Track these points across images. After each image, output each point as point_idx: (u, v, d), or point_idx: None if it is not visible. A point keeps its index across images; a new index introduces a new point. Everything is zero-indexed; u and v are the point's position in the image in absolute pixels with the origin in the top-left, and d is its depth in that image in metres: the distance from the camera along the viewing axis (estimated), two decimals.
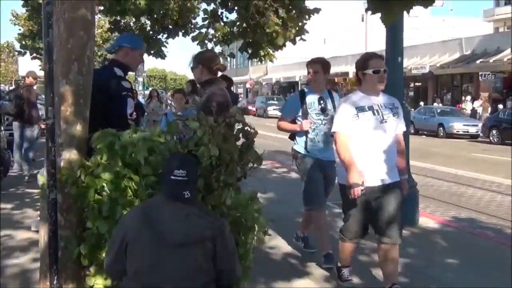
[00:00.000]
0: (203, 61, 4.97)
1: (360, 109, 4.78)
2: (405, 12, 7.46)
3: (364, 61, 4.87)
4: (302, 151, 6.05)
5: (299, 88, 58.06)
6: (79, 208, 3.57)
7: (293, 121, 6.12)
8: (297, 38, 9.13)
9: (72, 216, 3.63)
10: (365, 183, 4.63)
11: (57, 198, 3.56)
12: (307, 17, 8.84)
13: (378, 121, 4.77)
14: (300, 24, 8.83)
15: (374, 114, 4.78)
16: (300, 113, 6.03)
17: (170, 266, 2.92)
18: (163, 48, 17.01)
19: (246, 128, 3.64)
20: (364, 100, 4.83)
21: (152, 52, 17.04)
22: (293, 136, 6.24)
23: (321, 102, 5.98)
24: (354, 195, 4.63)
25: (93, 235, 3.44)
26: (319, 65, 5.99)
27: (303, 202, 6.13)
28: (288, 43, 9.19)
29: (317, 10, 8.57)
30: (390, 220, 4.81)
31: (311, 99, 6.01)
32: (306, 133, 5.97)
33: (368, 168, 4.74)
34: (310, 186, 5.98)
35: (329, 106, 6.00)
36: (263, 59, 10.17)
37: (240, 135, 3.64)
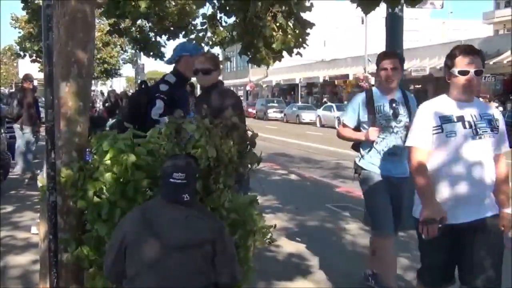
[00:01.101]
0: (219, 64, 4.98)
1: (446, 119, 3.68)
2: (405, 15, 7.57)
3: (450, 57, 3.80)
4: (367, 166, 5.05)
5: (299, 91, 58.20)
6: (79, 210, 3.57)
7: (358, 129, 5.12)
8: (295, 50, 9.18)
9: (72, 219, 3.64)
10: (445, 219, 3.51)
11: (57, 200, 3.57)
12: (307, 31, 8.90)
13: (470, 136, 3.64)
14: (301, 36, 8.88)
15: (465, 127, 3.65)
16: (366, 119, 5.01)
17: (170, 268, 2.91)
18: (162, 50, 17.06)
19: (246, 131, 3.64)
20: (452, 108, 3.72)
21: (151, 54, 17.08)
22: (357, 146, 5.22)
23: (393, 105, 4.98)
24: (428, 234, 3.52)
25: (93, 238, 3.45)
26: (398, 60, 5.01)
27: (371, 227, 5.31)
28: (284, 54, 9.25)
29: (311, 25, 8.64)
30: (480, 267, 3.56)
31: (381, 102, 4.99)
32: (372, 143, 4.98)
33: (453, 199, 3.63)
34: (374, 212, 5.05)
35: (403, 111, 5.00)
36: (262, 63, 10.17)
37: (241, 138, 3.64)
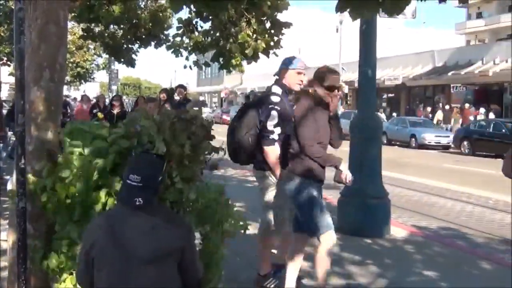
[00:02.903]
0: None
1: None
2: (378, 24, 7.64)
3: None
4: None
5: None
6: (49, 216, 3.52)
7: None
8: (271, 51, 9.21)
9: (42, 225, 3.59)
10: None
11: (26, 206, 3.51)
12: (282, 31, 8.92)
13: None
14: (275, 38, 8.91)
15: None
16: None
17: (139, 282, 2.83)
18: (133, 56, 16.92)
19: (203, 123, 3.61)
20: None
21: (122, 60, 16.95)
22: None
23: None
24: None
25: (63, 242, 3.39)
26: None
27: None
28: (261, 55, 9.27)
29: (287, 25, 8.65)
30: None
31: None
32: None
33: None
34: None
35: None
36: (232, 69, 10.20)
37: (199, 130, 3.61)
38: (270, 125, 5.10)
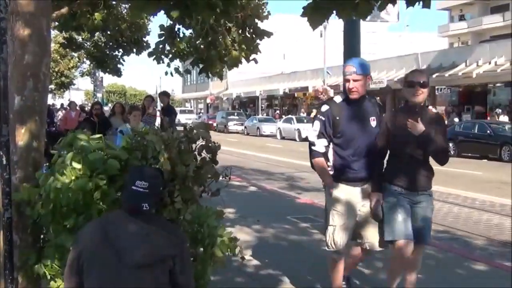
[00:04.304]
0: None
1: None
2: (362, 28, 7.68)
3: None
4: None
5: (259, 104, 58.36)
6: (35, 226, 3.50)
7: None
8: (251, 57, 9.28)
9: (28, 236, 3.56)
10: None
11: (12, 217, 3.49)
12: (258, 39, 9.01)
13: None
14: (254, 44, 8.99)
15: None
16: None
17: (130, 286, 2.85)
18: (119, 66, 16.87)
19: (209, 144, 3.63)
20: None
21: (108, 70, 16.90)
22: None
23: None
24: None
25: (56, 250, 3.38)
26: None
27: None
28: (243, 61, 9.33)
29: (268, 34, 8.72)
30: None
31: None
32: None
33: None
34: None
35: None
36: (210, 76, 10.27)
37: (204, 151, 3.62)
38: (312, 136, 4.85)
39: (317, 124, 4.82)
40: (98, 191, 3.27)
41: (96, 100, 24.62)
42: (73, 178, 3.26)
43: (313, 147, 4.82)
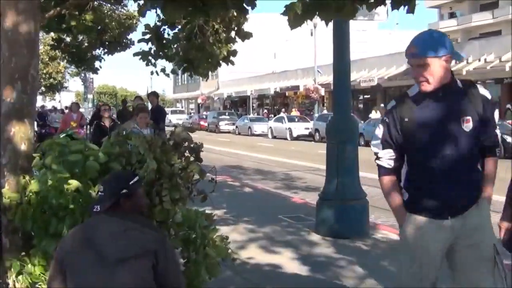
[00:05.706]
0: None
1: None
2: (351, 26, 7.71)
3: None
4: None
5: (250, 103, 58.38)
6: (25, 230, 3.49)
7: None
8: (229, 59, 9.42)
9: (18, 239, 3.56)
10: None
11: (1, 220, 3.48)
12: (234, 42, 9.16)
13: None
14: (232, 46, 9.17)
15: None
16: None
17: (112, 284, 2.86)
18: (97, 63, 16.85)
19: (192, 145, 3.64)
20: None
21: (84, 67, 16.89)
22: None
23: None
24: None
25: (41, 255, 3.37)
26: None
27: None
28: (234, 60, 9.45)
29: (249, 35, 8.83)
30: None
31: None
32: None
33: None
34: None
35: None
36: (195, 75, 10.36)
37: (187, 151, 3.64)
38: (374, 144, 3.53)
39: (379, 128, 3.48)
40: (78, 193, 3.28)
41: (102, 102, 24.54)
42: (50, 181, 3.27)
43: (377, 162, 3.52)
